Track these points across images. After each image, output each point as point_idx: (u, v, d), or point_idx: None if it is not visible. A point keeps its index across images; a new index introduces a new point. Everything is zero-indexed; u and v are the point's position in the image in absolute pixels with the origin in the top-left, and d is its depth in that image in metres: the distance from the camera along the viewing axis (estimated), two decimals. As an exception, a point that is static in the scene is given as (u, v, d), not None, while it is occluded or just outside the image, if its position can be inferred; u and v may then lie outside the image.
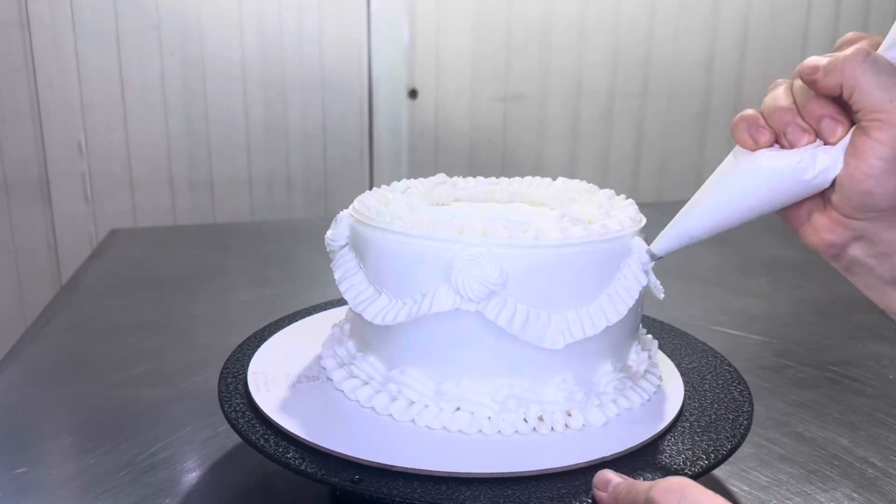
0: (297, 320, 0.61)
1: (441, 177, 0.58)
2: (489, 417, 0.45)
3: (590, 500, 0.38)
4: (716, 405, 0.49)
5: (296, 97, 1.76)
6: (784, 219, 0.41)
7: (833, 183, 0.37)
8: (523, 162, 1.91)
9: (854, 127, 0.36)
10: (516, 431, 0.45)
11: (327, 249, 0.52)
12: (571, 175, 0.68)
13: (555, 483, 0.41)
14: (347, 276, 0.49)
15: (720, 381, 0.52)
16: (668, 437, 0.45)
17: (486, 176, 0.61)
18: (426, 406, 0.46)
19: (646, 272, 0.47)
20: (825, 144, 0.37)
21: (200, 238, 1.23)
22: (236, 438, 0.54)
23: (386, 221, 0.47)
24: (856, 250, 0.38)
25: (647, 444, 0.45)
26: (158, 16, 1.65)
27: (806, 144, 0.37)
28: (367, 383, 0.48)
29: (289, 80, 1.75)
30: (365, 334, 0.50)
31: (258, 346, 0.56)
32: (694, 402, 0.50)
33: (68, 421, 0.61)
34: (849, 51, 0.35)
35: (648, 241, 0.47)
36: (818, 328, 0.82)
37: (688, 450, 0.44)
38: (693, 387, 0.52)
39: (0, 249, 1.68)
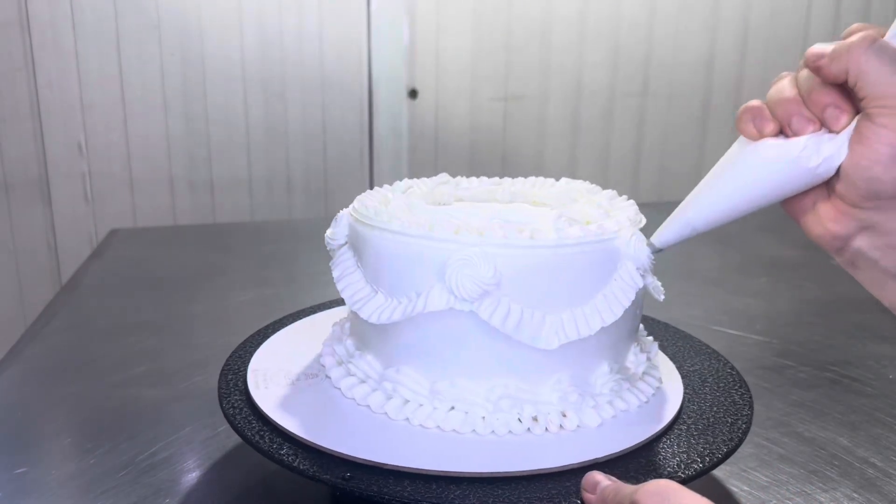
0: (296, 320, 0.61)
1: (443, 176, 0.58)
2: (483, 417, 0.45)
3: (579, 502, 0.38)
4: (715, 408, 0.49)
5: (296, 97, 1.76)
6: (788, 211, 0.40)
7: (838, 172, 0.37)
8: (523, 162, 1.91)
9: (859, 115, 0.36)
10: (510, 431, 0.45)
11: (327, 248, 0.53)
12: (572, 175, 0.68)
13: (545, 484, 0.41)
14: (345, 274, 0.50)
15: (721, 384, 0.52)
16: (665, 440, 0.45)
17: (487, 176, 0.61)
18: (420, 405, 0.46)
19: (643, 274, 0.47)
20: (829, 133, 0.37)
21: (200, 238, 1.23)
22: (236, 438, 0.54)
23: (384, 220, 0.47)
24: (861, 242, 0.37)
25: (644, 445, 0.45)
26: (158, 16, 1.65)
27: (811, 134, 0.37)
28: (363, 381, 0.49)
29: (289, 80, 1.75)
30: (363, 333, 0.50)
31: (258, 346, 0.56)
32: (693, 404, 0.49)
33: (68, 421, 0.61)
34: (854, 37, 0.35)
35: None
36: (818, 328, 0.82)
37: (683, 452, 0.44)
38: (693, 389, 0.51)
39: (0, 249, 1.68)
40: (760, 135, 0.38)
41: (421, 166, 1.86)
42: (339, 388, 0.49)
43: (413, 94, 1.82)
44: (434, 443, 0.44)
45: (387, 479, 0.40)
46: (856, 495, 0.51)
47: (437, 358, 0.46)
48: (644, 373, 0.50)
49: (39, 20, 1.60)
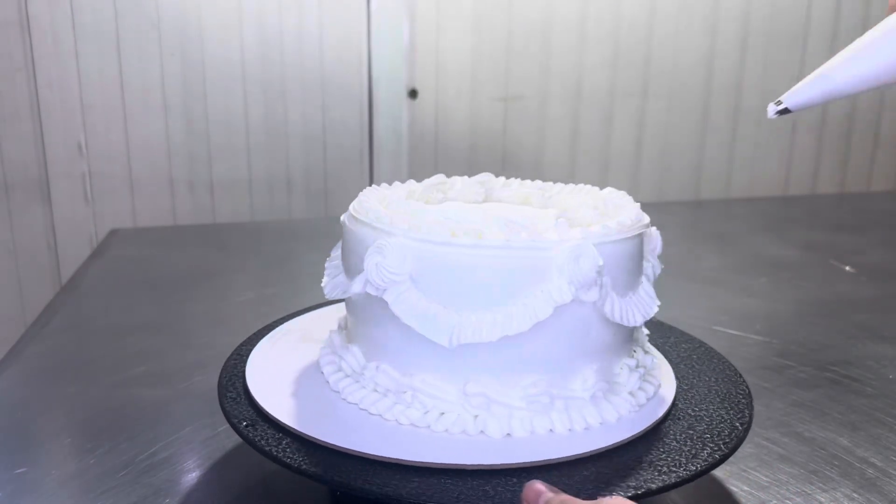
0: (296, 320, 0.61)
1: (484, 176, 0.59)
2: (442, 413, 0.45)
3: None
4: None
5: (296, 97, 1.76)
6: None
7: None
8: (523, 162, 1.91)
9: None
10: (463, 431, 0.45)
11: None
12: (572, 175, 0.68)
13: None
14: (331, 262, 0.53)
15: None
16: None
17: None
18: (396, 403, 0.47)
19: (582, 288, 0.44)
20: None
21: (200, 238, 1.23)
22: (236, 438, 0.54)
23: (356, 211, 0.50)
24: None
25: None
26: (158, 16, 1.65)
27: None
28: (348, 376, 0.50)
29: (289, 81, 1.75)
30: (350, 326, 0.52)
31: (258, 346, 0.56)
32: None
33: (68, 421, 0.61)
34: None
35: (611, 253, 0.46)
36: (818, 328, 0.82)
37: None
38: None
39: (0, 249, 1.68)
40: None
41: (421, 166, 1.86)
42: (328, 382, 0.50)
43: (413, 94, 1.82)
44: (405, 436, 0.45)
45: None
46: (856, 495, 0.51)
47: (408, 355, 0.47)
48: (643, 374, 0.50)
49: (39, 20, 1.60)
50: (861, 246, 1.15)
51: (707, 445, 0.44)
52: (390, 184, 0.58)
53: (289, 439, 0.44)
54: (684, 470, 0.42)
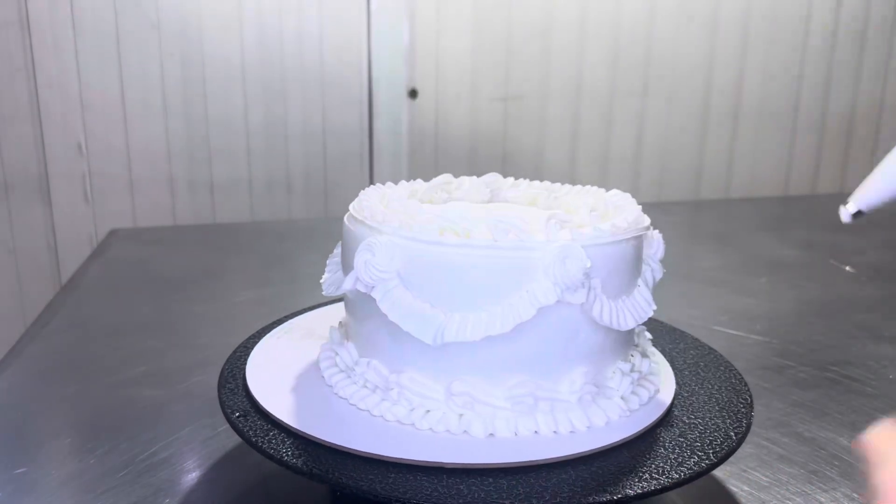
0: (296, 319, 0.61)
1: (491, 176, 0.59)
2: (428, 411, 0.45)
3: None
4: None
5: (296, 97, 1.76)
6: None
7: None
8: (523, 162, 1.91)
9: None
10: (447, 430, 0.45)
11: None
12: (572, 175, 0.68)
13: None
14: (333, 258, 0.54)
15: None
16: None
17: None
18: (382, 399, 0.47)
19: (568, 290, 0.44)
20: None
21: (200, 238, 1.23)
22: (236, 438, 0.54)
23: (356, 210, 0.50)
24: None
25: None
26: (158, 16, 1.65)
27: None
28: (342, 371, 0.50)
29: (289, 81, 1.75)
30: (346, 323, 0.53)
31: (258, 346, 0.56)
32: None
33: (68, 421, 0.61)
34: None
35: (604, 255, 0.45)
36: (818, 328, 0.82)
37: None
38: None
39: (0, 249, 1.68)
40: None
41: (421, 166, 1.86)
42: (323, 377, 0.51)
43: (413, 94, 1.82)
44: (389, 432, 0.45)
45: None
46: (856, 496, 0.51)
47: (395, 352, 0.47)
48: (637, 378, 0.50)
49: (39, 20, 1.60)
50: (861, 246, 1.15)
51: (696, 454, 0.43)
52: (396, 183, 0.58)
53: (276, 431, 0.44)
54: (666, 478, 0.41)
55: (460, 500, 0.39)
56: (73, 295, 0.91)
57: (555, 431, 0.45)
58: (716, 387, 0.52)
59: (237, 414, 0.46)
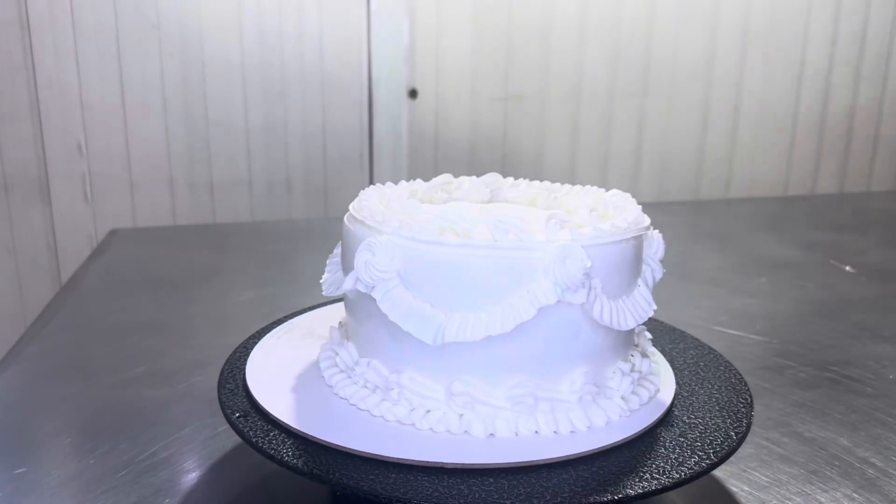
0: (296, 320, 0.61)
1: (491, 176, 0.59)
2: (428, 411, 0.45)
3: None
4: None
5: (296, 97, 1.76)
6: None
7: None
8: (523, 162, 1.91)
9: None
10: (447, 430, 0.45)
11: None
12: (572, 175, 0.68)
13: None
14: (333, 258, 0.54)
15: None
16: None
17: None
18: (382, 399, 0.47)
19: (568, 290, 0.44)
20: None
21: (200, 238, 1.23)
22: (236, 438, 0.54)
23: (356, 210, 0.50)
24: None
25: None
26: (158, 16, 1.65)
27: None
28: (342, 371, 0.50)
29: (289, 80, 1.75)
30: (347, 323, 0.53)
31: (258, 346, 0.56)
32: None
33: (68, 421, 0.61)
34: None
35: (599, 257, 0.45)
36: (818, 328, 0.82)
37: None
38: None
39: (0, 249, 1.68)
40: None
41: (421, 166, 1.86)
42: (324, 377, 0.51)
43: (413, 94, 1.82)
44: (389, 433, 0.45)
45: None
46: (856, 495, 0.51)
47: (395, 352, 0.47)
48: (637, 378, 0.50)
49: (39, 20, 1.60)
50: (861, 246, 1.15)
51: (696, 453, 0.43)
52: (396, 183, 0.58)
53: (276, 431, 0.44)
54: (667, 477, 0.41)
55: (461, 501, 0.39)
56: (72, 295, 0.91)
57: (555, 431, 0.45)
58: (716, 387, 0.52)
59: (237, 414, 0.46)
